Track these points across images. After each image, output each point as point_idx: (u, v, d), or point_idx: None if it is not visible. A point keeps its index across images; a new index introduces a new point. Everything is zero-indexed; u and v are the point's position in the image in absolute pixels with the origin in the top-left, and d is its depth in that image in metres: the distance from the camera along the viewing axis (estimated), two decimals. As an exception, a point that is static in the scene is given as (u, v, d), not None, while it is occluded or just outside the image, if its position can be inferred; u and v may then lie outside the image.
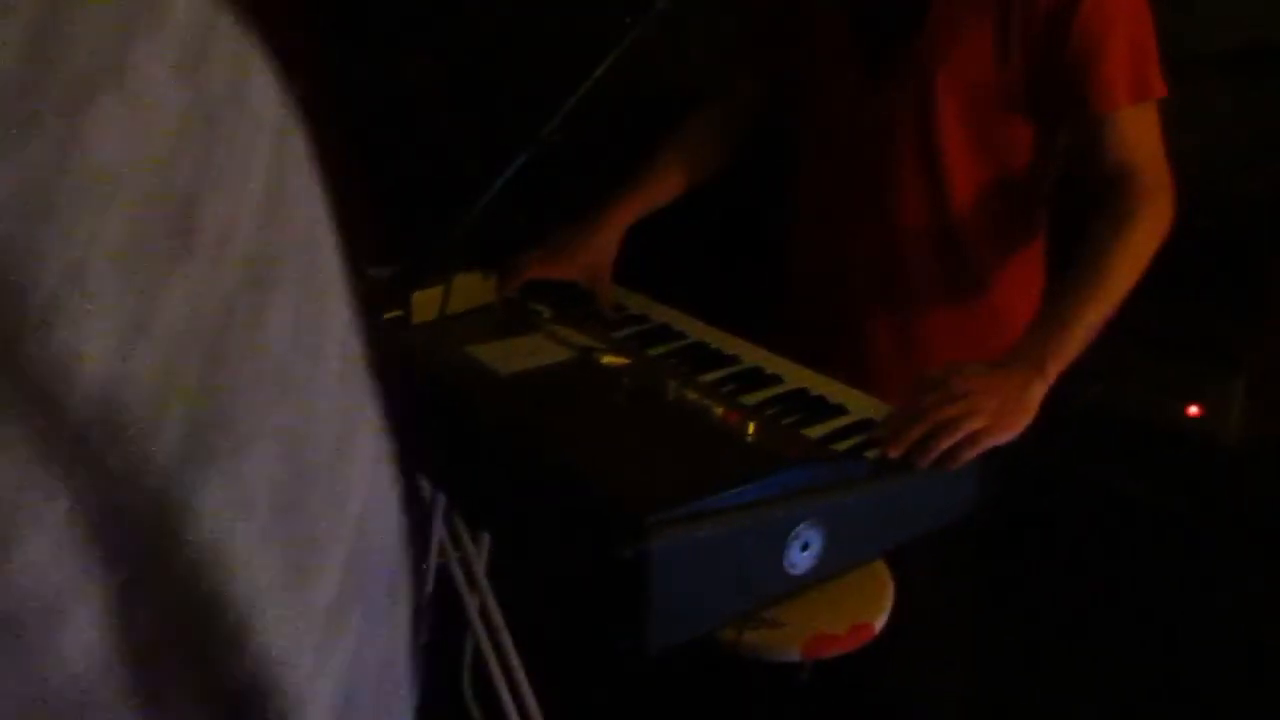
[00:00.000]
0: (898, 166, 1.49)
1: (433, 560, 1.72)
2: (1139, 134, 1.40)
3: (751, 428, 1.20)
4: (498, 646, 1.76)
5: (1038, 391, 1.26)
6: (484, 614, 1.75)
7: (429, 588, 1.76)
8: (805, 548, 1.11)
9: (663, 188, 1.67)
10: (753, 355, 1.44)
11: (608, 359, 1.37)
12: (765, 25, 1.68)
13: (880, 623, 1.19)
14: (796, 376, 1.38)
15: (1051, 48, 1.38)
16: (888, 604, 1.21)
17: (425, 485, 1.59)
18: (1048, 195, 1.54)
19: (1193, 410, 2.01)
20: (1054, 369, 1.28)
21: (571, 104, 1.26)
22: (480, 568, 1.74)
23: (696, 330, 1.52)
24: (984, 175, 1.48)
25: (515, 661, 1.75)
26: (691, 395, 1.28)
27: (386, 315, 1.45)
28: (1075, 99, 1.39)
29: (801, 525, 1.10)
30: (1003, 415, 1.22)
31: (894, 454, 1.18)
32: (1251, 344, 2.01)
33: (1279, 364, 1.99)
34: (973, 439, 1.20)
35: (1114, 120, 1.39)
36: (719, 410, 1.24)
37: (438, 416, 1.33)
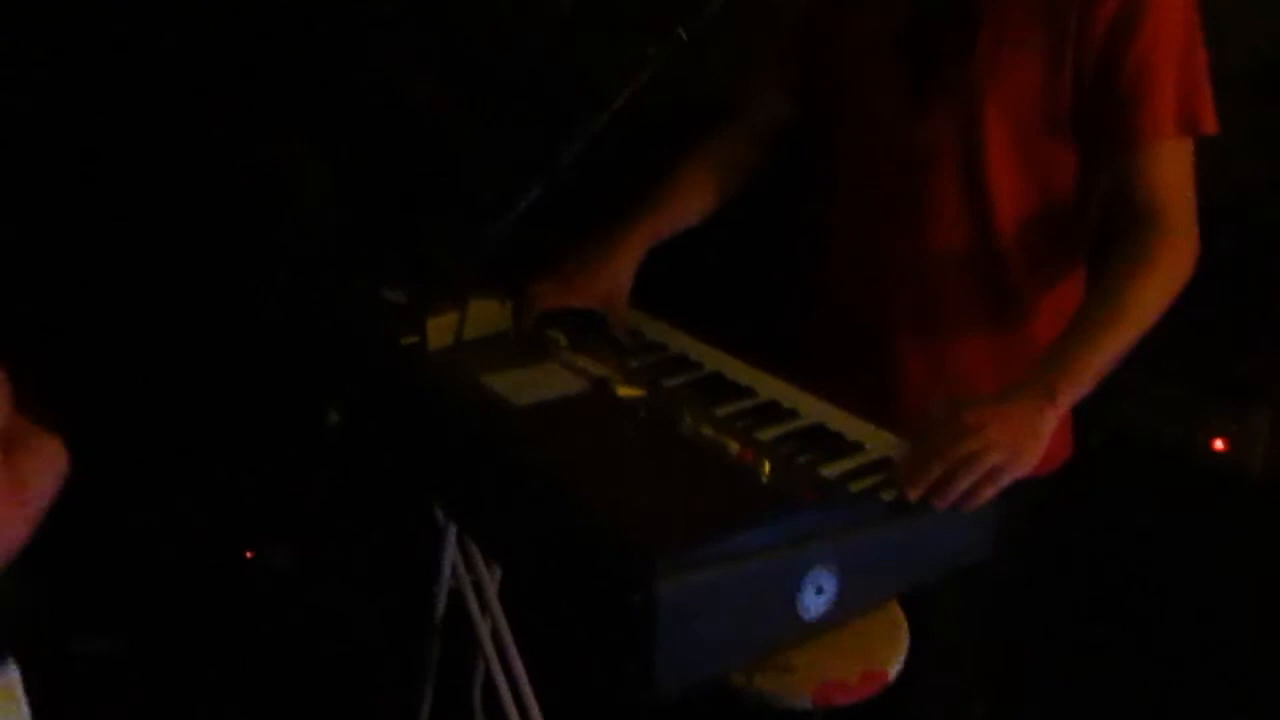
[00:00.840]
0: (941, 190, 1.46)
1: (444, 584, 1.72)
2: (1175, 170, 1.37)
3: (766, 466, 1.19)
4: (509, 670, 1.75)
5: (1050, 420, 1.24)
6: (495, 637, 1.75)
7: (441, 611, 1.75)
8: (819, 591, 1.09)
9: (683, 210, 1.65)
10: (770, 387, 1.42)
11: (623, 390, 1.36)
12: (797, 40, 1.65)
13: (894, 669, 1.17)
14: (814, 410, 1.36)
15: (1104, 73, 1.35)
16: (902, 649, 1.19)
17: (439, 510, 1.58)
18: (1090, 225, 1.51)
19: (1218, 444, 1.98)
20: (1065, 400, 1.26)
21: (589, 133, 1.25)
22: (492, 591, 1.74)
23: (714, 360, 1.50)
24: (1029, 201, 1.45)
25: (526, 686, 1.74)
26: (706, 430, 1.26)
27: (403, 341, 1.44)
28: (1122, 126, 1.36)
29: (816, 569, 1.08)
30: (1017, 447, 1.19)
31: (912, 496, 1.16)
32: (1277, 377, 1.97)
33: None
34: (991, 476, 1.17)
35: (1155, 152, 1.36)
36: (734, 446, 1.22)
37: (451, 446, 1.33)
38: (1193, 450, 1.99)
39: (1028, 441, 1.20)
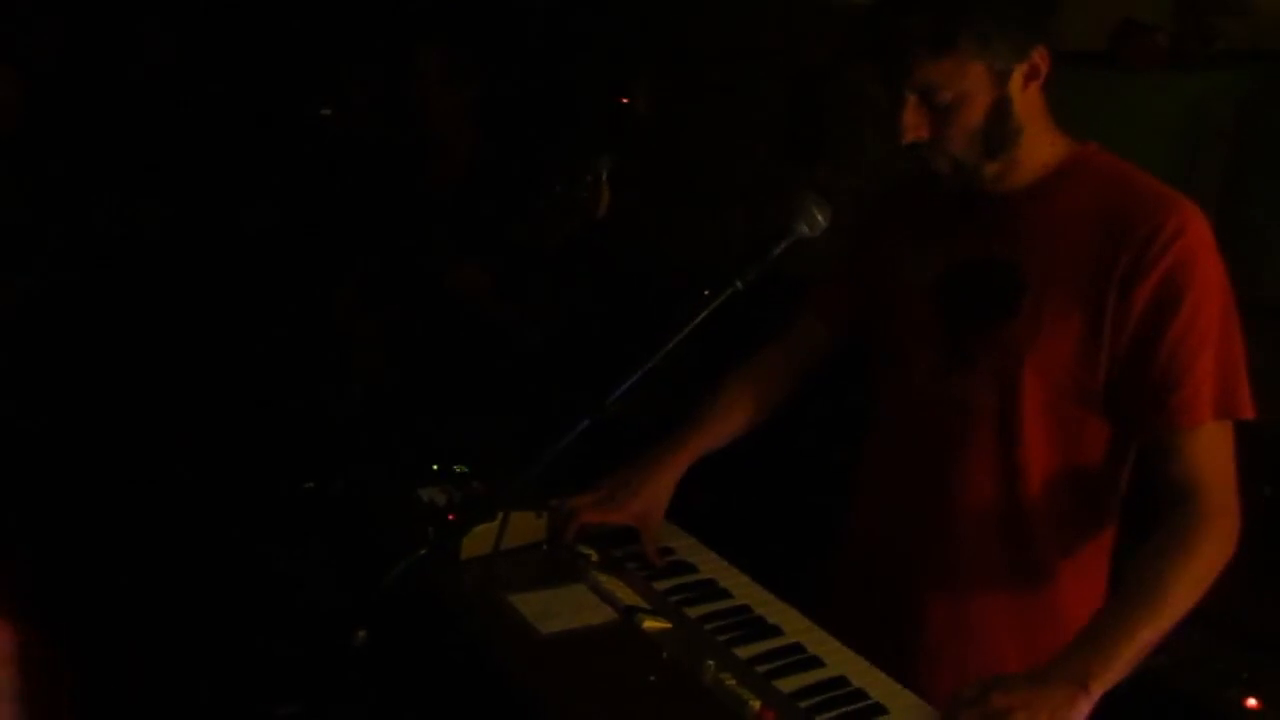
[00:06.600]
0: (972, 447, 1.46)
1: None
2: (1214, 452, 1.35)
3: (785, 730, 1.18)
4: None
5: (1082, 709, 1.22)
6: None
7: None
8: None
9: (724, 429, 1.67)
10: (796, 628, 1.41)
11: (649, 624, 1.36)
12: (842, 275, 1.68)
13: None
14: (838, 661, 1.35)
15: (1141, 354, 1.36)
16: None
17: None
18: (1121, 492, 1.50)
19: (1251, 702, 1.93)
20: (1098, 687, 1.24)
21: (639, 376, 1.28)
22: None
23: (741, 590, 1.50)
24: (1059, 466, 1.45)
25: None
26: (728, 680, 1.25)
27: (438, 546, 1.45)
28: (1158, 409, 1.36)
29: None
30: None
31: (933, 776, 1.14)
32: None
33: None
34: None
35: (1192, 436, 1.35)
36: (754, 704, 1.21)
37: (473, 671, 1.33)
38: (1226, 705, 1.94)
39: None
